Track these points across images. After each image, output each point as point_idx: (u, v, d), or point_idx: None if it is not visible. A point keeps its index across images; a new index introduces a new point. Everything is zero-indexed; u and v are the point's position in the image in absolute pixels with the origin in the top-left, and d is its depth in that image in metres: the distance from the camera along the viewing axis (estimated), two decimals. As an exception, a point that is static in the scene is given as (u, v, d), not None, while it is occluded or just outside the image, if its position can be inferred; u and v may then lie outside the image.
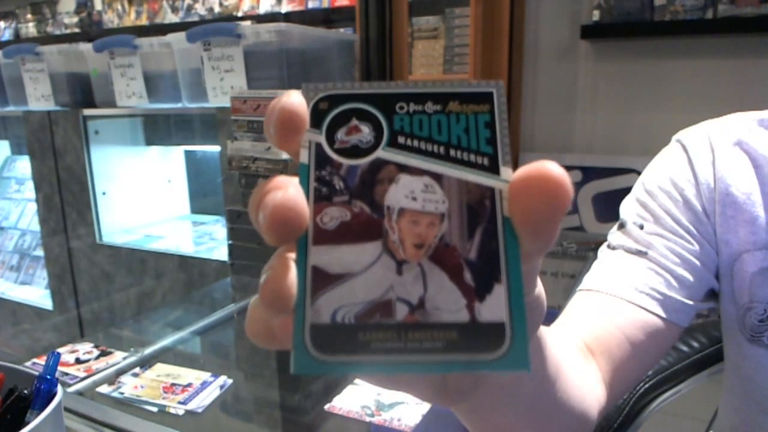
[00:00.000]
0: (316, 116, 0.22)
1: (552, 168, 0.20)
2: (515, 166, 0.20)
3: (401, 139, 0.21)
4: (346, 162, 0.21)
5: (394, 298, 0.19)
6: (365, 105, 0.22)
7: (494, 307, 0.19)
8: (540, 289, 0.26)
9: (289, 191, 0.20)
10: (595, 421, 0.46)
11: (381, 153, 0.21)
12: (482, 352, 0.19)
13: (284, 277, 0.19)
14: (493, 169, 0.21)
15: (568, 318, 0.54)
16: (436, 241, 0.20)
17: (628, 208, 0.60)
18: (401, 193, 0.21)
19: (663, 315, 0.53)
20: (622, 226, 0.59)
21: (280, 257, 0.20)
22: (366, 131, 0.21)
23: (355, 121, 0.21)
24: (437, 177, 0.21)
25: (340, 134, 0.21)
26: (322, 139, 0.21)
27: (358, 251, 0.20)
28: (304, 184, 0.21)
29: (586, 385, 0.44)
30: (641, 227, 0.57)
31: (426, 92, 0.22)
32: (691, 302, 0.54)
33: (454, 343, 0.19)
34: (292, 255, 0.20)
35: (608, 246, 0.59)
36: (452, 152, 0.21)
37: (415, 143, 0.21)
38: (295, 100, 0.21)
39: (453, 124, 0.21)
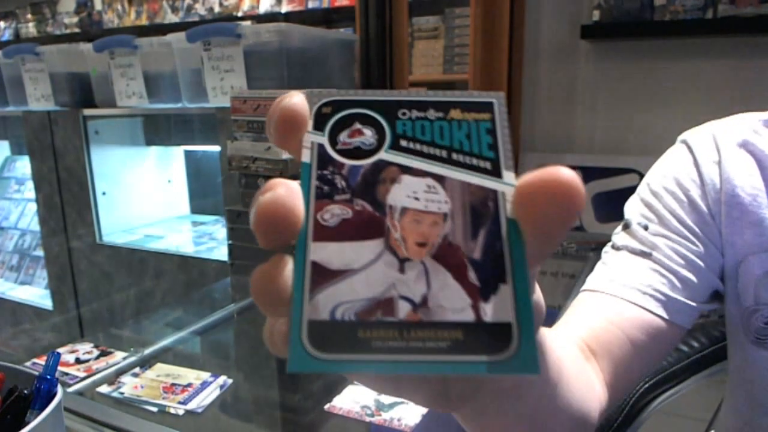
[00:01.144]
0: (319, 120, 0.22)
1: (565, 173, 0.19)
2: (515, 166, 0.20)
3: (404, 143, 0.21)
4: (348, 162, 0.21)
5: (396, 295, 0.19)
6: (368, 110, 0.22)
7: (500, 308, 0.19)
8: (539, 294, 0.26)
9: (278, 190, 0.19)
10: (596, 422, 0.46)
11: (383, 155, 0.21)
12: (489, 353, 0.18)
13: (274, 271, 0.19)
14: (496, 173, 0.21)
15: (570, 318, 0.54)
16: (440, 240, 0.20)
17: (632, 209, 0.59)
18: (404, 193, 0.20)
19: (665, 316, 0.53)
20: (626, 227, 0.58)
21: (274, 256, 0.20)
22: (369, 134, 0.21)
23: (357, 125, 0.22)
24: (440, 179, 0.21)
25: (343, 136, 0.21)
26: (324, 140, 0.21)
27: (359, 248, 0.19)
28: (306, 182, 0.21)
29: (587, 388, 0.44)
30: (645, 228, 0.56)
31: (428, 100, 0.22)
32: (694, 304, 0.54)
33: (459, 343, 0.18)
34: (290, 256, 0.20)
35: (612, 246, 0.58)
36: (454, 156, 0.21)
37: (418, 146, 0.21)
38: (296, 100, 0.21)
39: (455, 130, 0.21)
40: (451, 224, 0.20)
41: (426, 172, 0.21)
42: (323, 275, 0.19)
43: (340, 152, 0.21)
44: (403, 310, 0.19)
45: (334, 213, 0.20)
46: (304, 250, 0.19)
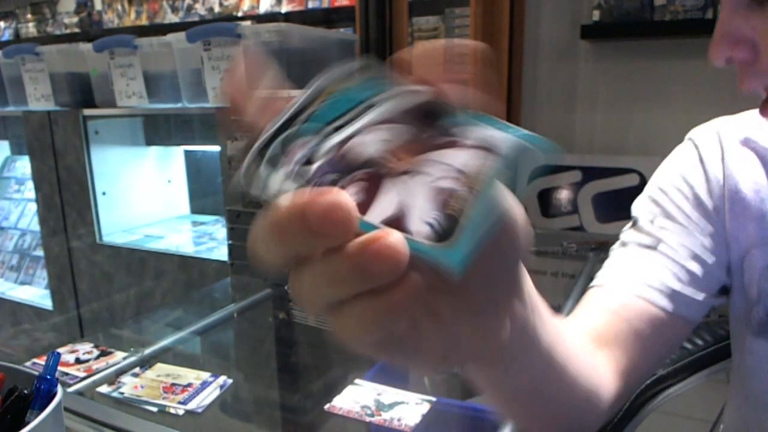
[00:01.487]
0: (268, 161, 0.24)
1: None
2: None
3: (337, 124, 0.25)
4: (314, 165, 0.24)
5: (440, 191, 0.22)
6: (291, 128, 0.25)
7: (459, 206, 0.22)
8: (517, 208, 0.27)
9: (330, 193, 0.20)
10: (606, 407, 0.48)
11: (332, 141, 0.24)
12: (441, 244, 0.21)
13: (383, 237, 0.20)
14: (415, 92, 0.25)
15: (577, 312, 0.55)
16: (423, 159, 0.23)
17: (640, 206, 0.61)
18: (372, 149, 0.24)
19: (670, 309, 0.53)
20: (634, 224, 0.59)
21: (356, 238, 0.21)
22: (309, 139, 0.24)
23: (297, 141, 0.24)
24: (377, 123, 0.24)
25: (294, 157, 0.24)
26: (285, 171, 0.24)
27: (390, 195, 0.23)
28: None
29: (595, 372, 0.46)
30: (652, 222, 0.58)
31: (319, 88, 0.26)
32: (700, 297, 0.55)
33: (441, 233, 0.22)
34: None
35: (620, 243, 0.59)
36: (371, 105, 0.25)
37: (346, 118, 0.25)
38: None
39: (350, 95, 0.25)
40: (422, 144, 0.24)
41: (369, 124, 0.24)
42: (395, 225, 0.22)
43: (303, 165, 0.24)
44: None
45: (350, 193, 0.22)
46: (371, 227, 0.21)
